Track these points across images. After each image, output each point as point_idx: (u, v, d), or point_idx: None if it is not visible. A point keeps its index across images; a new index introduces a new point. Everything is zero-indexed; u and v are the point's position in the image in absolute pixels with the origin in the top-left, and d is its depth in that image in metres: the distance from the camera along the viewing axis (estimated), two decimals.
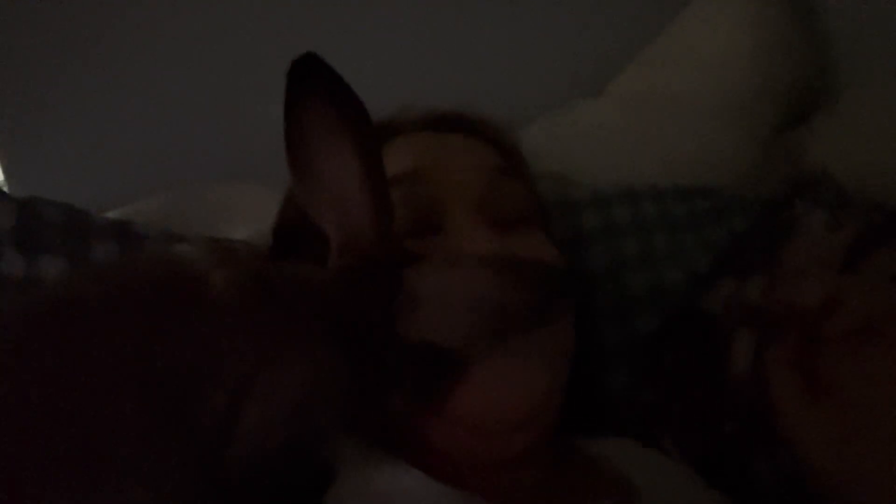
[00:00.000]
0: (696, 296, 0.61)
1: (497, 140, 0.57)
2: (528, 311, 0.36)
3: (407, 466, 0.43)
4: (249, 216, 0.74)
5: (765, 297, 0.47)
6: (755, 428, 0.48)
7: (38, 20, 0.89)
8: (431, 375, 0.42)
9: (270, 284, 0.35)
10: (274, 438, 0.32)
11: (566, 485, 0.47)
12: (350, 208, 0.40)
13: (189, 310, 0.32)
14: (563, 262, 0.52)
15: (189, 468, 0.30)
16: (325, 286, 0.37)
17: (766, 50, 0.84)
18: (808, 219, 0.60)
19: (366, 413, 0.41)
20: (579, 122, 0.86)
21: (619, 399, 0.62)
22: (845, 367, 0.42)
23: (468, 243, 0.47)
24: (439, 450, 0.45)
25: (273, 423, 0.32)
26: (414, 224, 0.48)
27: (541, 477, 0.47)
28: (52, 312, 0.32)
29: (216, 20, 0.91)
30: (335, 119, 0.40)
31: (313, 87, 0.40)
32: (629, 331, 0.64)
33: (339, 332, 0.35)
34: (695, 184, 0.75)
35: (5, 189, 0.86)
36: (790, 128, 0.85)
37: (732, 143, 0.82)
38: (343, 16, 0.93)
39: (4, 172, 0.91)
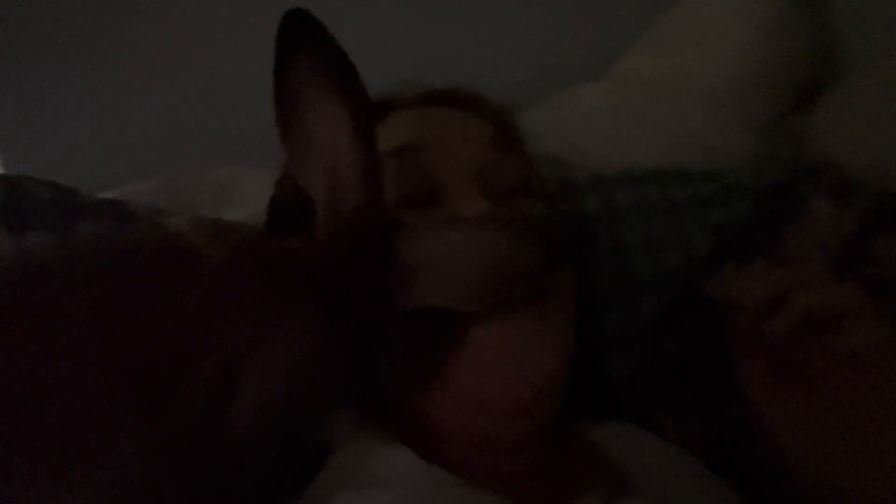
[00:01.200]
0: (698, 280, 0.60)
1: (494, 115, 0.57)
2: (532, 267, 0.35)
3: (402, 448, 0.42)
4: (246, 198, 0.73)
5: (713, 290, 0.46)
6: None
7: (35, 7, 0.89)
8: (429, 343, 0.41)
9: (262, 257, 0.34)
10: (269, 414, 0.31)
11: (560, 470, 0.47)
12: (338, 170, 0.39)
13: (181, 282, 0.31)
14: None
15: (169, 447, 0.29)
16: (313, 257, 0.36)
17: (769, 34, 0.83)
18: (811, 204, 0.60)
19: (361, 387, 0.40)
20: (580, 106, 0.85)
21: (620, 383, 0.61)
22: (800, 357, 0.41)
23: (466, 213, 0.47)
24: (440, 429, 0.45)
25: (269, 398, 0.30)
26: (410, 197, 0.48)
27: (538, 461, 0.47)
28: (19, 281, 0.30)
29: (211, 3, 0.90)
30: (325, 77, 0.39)
31: (303, 43, 0.38)
32: (631, 315, 0.64)
33: (329, 303, 0.34)
34: (696, 168, 0.74)
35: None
36: (793, 112, 0.84)
37: (734, 127, 0.81)
38: None
39: (2, 158, 0.90)
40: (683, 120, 0.81)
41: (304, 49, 0.38)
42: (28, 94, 0.90)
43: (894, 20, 0.81)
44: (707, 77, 0.83)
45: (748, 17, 0.83)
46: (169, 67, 0.91)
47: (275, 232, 0.58)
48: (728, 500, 0.46)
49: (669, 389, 0.56)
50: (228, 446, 0.29)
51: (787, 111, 0.85)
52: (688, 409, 0.54)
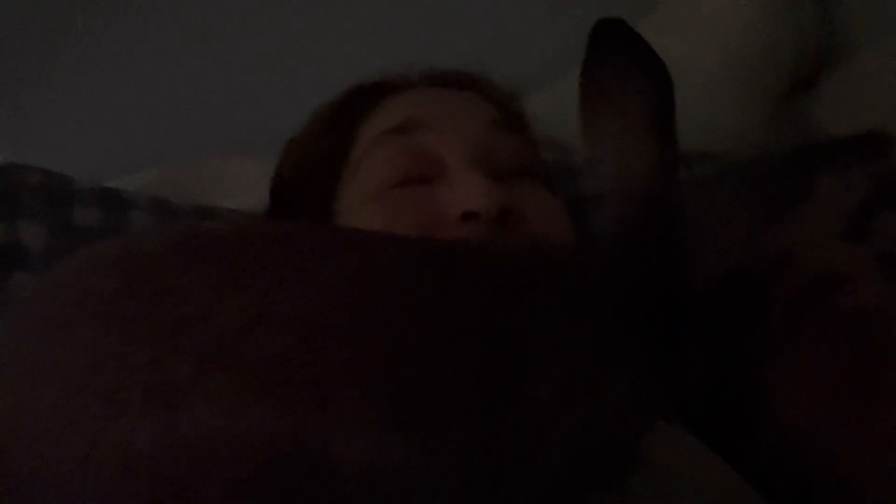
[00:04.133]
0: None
1: (495, 95, 0.57)
2: None
3: (711, 454, 0.40)
4: (240, 188, 0.73)
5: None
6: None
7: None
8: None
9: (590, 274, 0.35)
10: (592, 440, 0.31)
11: None
12: (632, 165, 0.41)
13: (546, 291, 0.32)
14: (565, 215, 0.52)
15: (500, 440, 0.28)
16: (618, 271, 0.38)
17: (772, 14, 0.83)
18: (815, 181, 0.59)
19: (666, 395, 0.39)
20: None
21: None
22: (806, 321, 0.40)
23: (464, 191, 0.47)
24: None
25: (594, 419, 0.31)
26: (410, 173, 0.48)
27: None
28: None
29: None
30: (631, 78, 0.42)
31: (617, 46, 0.42)
32: None
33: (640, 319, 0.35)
34: (698, 150, 0.73)
35: None
36: (799, 92, 0.83)
37: (737, 108, 0.81)
38: None
39: None
40: (685, 102, 0.80)
41: (619, 50, 0.42)
42: (19, 85, 0.89)
43: None
44: (711, 58, 0.82)
45: None
46: (158, 59, 0.91)
47: (277, 216, 0.58)
48: (728, 477, 0.45)
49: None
50: (544, 458, 0.29)
51: (793, 91, 0.84)
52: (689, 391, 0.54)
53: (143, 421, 0.24)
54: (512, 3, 0.94)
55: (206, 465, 0.24)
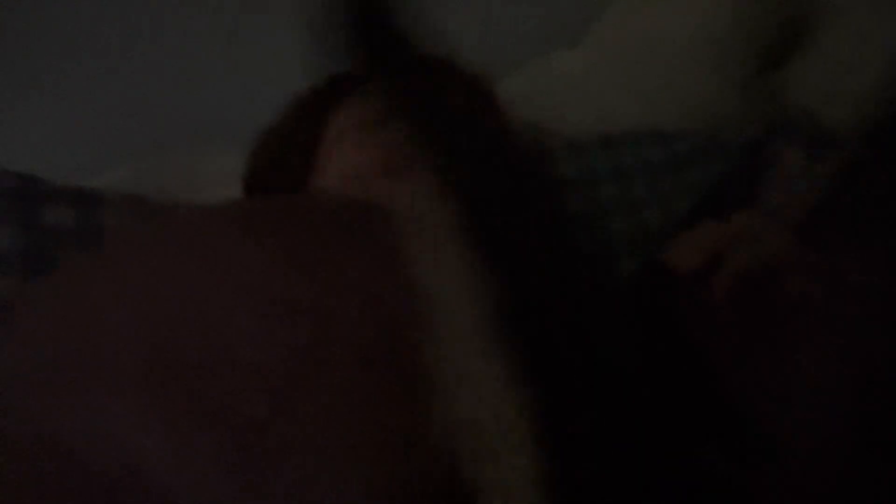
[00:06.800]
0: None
1: (470, 83, 0.57)
2: None
3: None
4: (212, 182, 0.73)
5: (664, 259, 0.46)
6: None
7: None
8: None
9: None
10: None
11: None
12: None
13: None
14: None
15: None
16: None
17: None
18: (784, 156, 0.60)
19: None
20: (558, 71, 0.85)
21: None
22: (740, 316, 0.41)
23: None
24: None
25: None
26: (381, 163, 0.48)
27: None
28: None
29: None
30: None
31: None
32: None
33: None
34: (675, 128, 0.74)
35: None
36: (771, 69, 0.84)
37: (712, 86, 0.81)
38: None
39: None
40: (660, 81, 0.81)
41: None
42: None
43: None
44: (683, 37, 0.83)
45: None
46: (125, 57, 0.90)
47: None
48: None
49: None
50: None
51: (764, 68, 0.84)
52: None
53: None
54: None
55: None
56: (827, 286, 0.37)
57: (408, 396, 0.28)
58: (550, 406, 0.31)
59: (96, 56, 0.89)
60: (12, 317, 0.31)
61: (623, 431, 0.35)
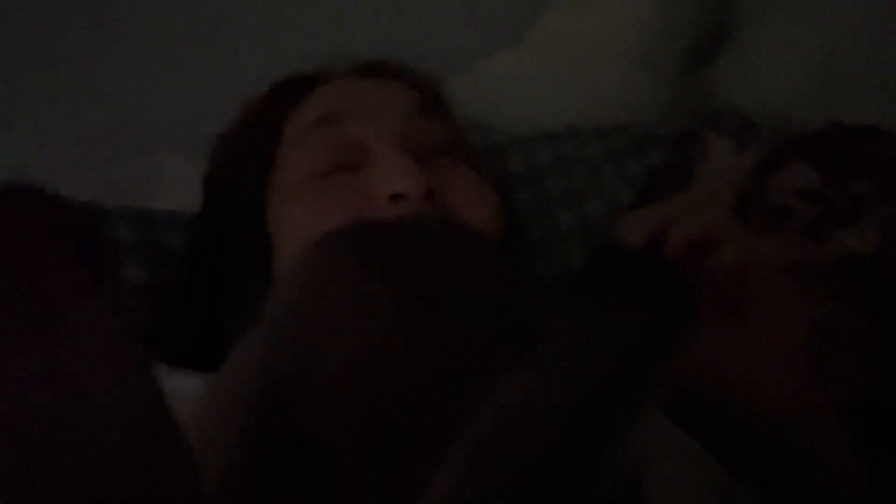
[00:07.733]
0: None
1: (417, 81, 0.59)
2: None
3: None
4: (171, 187, 0.73)
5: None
6: None
7: None
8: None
9: None
10: None
11: None
12: None
13: None
14: (492, 194, 0.54)
15: None
16: None
17: None
18: (714, 145, 0.64)
19: None
20: (500, 72, 0.87)
21: None
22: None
23: (391, 173, 0.48)
24: None
25: None
26: (335, 162, 0.50)
27: None
28: None
29: None
30: None
31: None
32: (559, 266, 0.67)
33: None
34: (611, 123, 0.77)
35: None
36: (701, 64, 0.88)
37: (644, 83, 0.84)
38: None
39: None
40: (596, 79, 0.84)
41: None
42: None
43: None
44: (615, 37, 0.86)
45: None
46: (85, 64, 0.89)
47: (211, 213, 0.59)
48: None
49: None
50: None
51: (695, 63, 0.89)
52: None
53: None
54: None
55: None
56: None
57: None
58: None
59: (55, 67, 0.88)
60: None
61: None
